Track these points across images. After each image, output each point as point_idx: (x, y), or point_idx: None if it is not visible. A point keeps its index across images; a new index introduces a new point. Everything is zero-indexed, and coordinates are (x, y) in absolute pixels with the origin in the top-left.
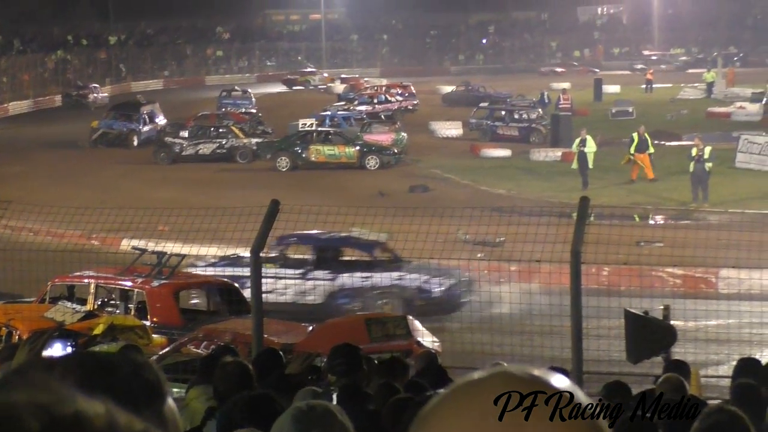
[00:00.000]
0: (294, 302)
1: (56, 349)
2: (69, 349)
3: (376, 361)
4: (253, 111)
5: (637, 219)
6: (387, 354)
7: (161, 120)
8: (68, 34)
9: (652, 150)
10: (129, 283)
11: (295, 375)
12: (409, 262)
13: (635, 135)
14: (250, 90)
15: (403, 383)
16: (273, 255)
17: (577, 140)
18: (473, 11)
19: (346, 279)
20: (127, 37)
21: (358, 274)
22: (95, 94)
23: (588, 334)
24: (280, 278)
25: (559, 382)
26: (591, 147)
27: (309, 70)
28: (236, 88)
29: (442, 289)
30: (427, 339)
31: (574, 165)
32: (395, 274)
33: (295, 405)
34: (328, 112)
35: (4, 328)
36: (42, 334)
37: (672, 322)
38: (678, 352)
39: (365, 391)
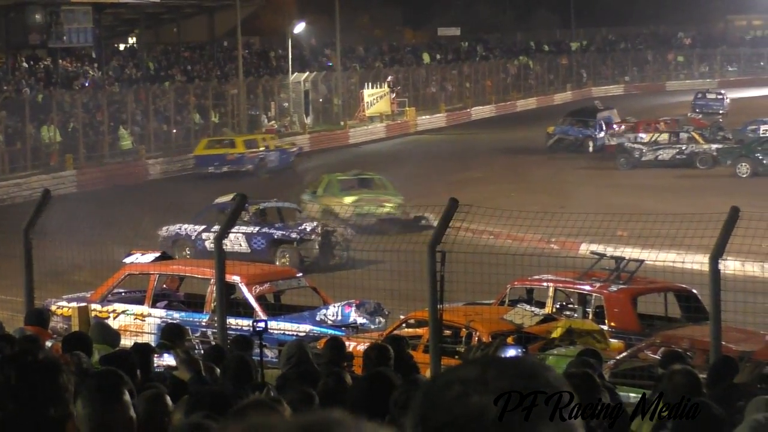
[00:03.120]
0: None
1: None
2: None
3: None
4: (721, 113)
5: None
6: None
7: (618, 126)
8: (530, 40)
9: None
10: (587, 288)
11: (744, 384)
12: None
13: None
14: (724, 92)
15: None
16: None
17: None
18: None
19: None
20: (588, 43)
21: None
22: None
23: None
24: None
25: None
26: None
27: None
28: (710, 90)
29: None
30: None
31: None
32: None
33: (753, 417)
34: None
35: (464, 329)
36: (496, 338)
37: None
38: None
39: None
